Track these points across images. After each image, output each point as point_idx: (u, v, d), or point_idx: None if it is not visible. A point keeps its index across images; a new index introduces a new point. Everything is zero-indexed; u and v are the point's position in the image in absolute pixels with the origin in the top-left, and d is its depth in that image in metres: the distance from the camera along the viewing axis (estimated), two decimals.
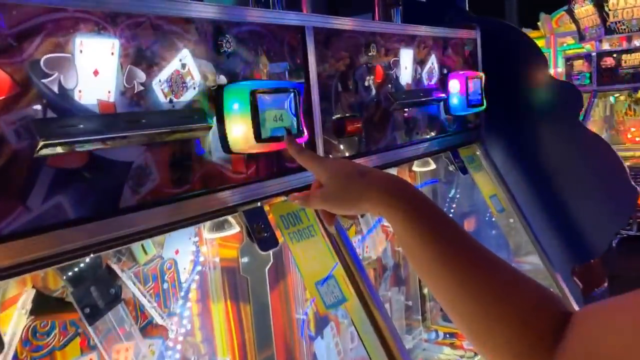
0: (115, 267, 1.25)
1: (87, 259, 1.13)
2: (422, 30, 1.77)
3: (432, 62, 1.83)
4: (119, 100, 0.96)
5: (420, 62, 1.77)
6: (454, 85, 1.86)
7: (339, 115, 1.44)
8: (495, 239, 2.46)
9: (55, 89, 0.88)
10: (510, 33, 2.22)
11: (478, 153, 2.14)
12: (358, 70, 1.51)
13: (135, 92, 0.99)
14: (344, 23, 1.46)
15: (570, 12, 7.21)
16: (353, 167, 0.93)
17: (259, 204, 1.25)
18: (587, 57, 6.46)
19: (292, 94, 1.19)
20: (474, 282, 0.67)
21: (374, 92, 1.57)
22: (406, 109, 1.69)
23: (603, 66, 6.31)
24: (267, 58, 1.24)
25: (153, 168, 1.02)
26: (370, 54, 1.54)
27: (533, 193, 2.31)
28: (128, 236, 1.00)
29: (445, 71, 1.89)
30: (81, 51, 0.91)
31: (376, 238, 2.02)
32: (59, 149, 0.87)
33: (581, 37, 7.27)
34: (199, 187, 1.10)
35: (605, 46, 6.99)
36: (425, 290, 2.39)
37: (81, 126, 0.89)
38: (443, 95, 1.84)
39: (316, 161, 0.98)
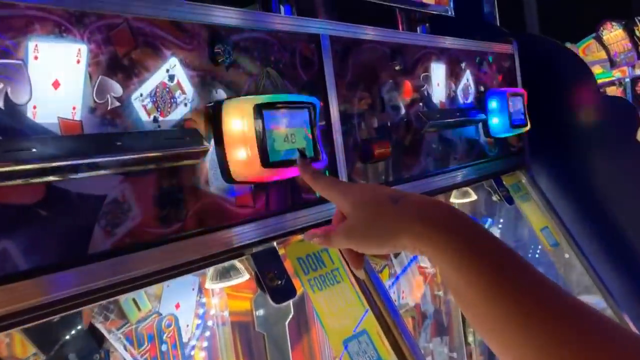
0: (100, 326, 1.04)
1: (62, 318, 0.92)
2: (454, 42, 1.57)
3: (467, 78, 1.62)
4: (87, 118, 0.77)
5: (453, 78, 1.56)
6: (494, 103, 1.63)
7: (363, 137, 1.23)
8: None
9: (1, 103, 0.69)
10: (551, 47, 2.01)
11: (523, 181, 1.90)
12: (384, 86, 1.30)
13: (109, 108, 0.80)
14: (366, 32, 1.26)
15: (599, 39, 6.98)
16: (383, 193, 0.71)
17: (272, 244, 1.03)
18: (620, 82, 6.19)
19: (306, 110, 0.99)
20: (563, 344, 0.51)
21: (402, 111, 1.35)
22: (440, 131, 1.47)
23: (638, 91, 6.05)
24: (275, 70, 1.04)
25: (133, 203, 0.82)
26: (396, 67, 1.34)
27: (588, 224, 2.05)
28: (100, 290, 0.79)
29: (482, 88, 1.67)
30: (36, 57, 0.72)
31: (413, 281, 1.77)
32: (5, 180, 0.67)
33: (612, 64, 7.02)
34: (194, 226, 0.89)
35: (638, 72, 6.73)
36: (471, 339, 2.11)
37: (34, 150, 0.69)
38: (482, 115, 1.61)
39: (336, 187, 0.76)
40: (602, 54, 7.01)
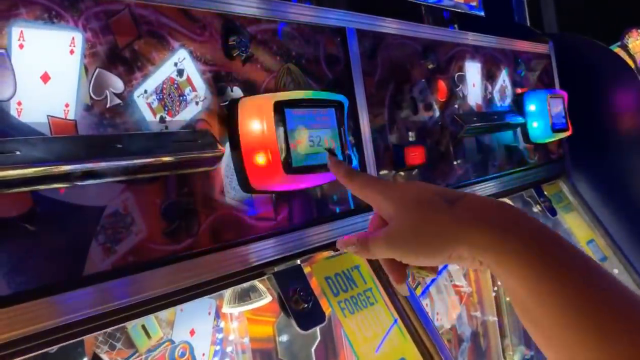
0: (105, 357, 0.93)
1: (61, 348, 0.81)
2: (489, 40, 1.45)
3: (504, 79, 1.49)
4: (81, 117, 0.67)
5: (489, 78, 1.44)
6: (534, 106, 1.50)
7: (395, 142, 1.11)
8: None
9: None
10: (590, 48, 1.87)
11: (564, 190, 1.76)
12: (416, 86, 1.18)
13: (108, 106, 0.69)
14: (395, 27, 1.15)
15: (625, 47, 6.82)
16: (435, 192, 0.59)
17: (296, 262, 0.91)
18: None
19: (332, 109, 0.87)
20: None
21: (437, 113, 1.23)
22: (478, 136, 1.35)
23: None
24: (297, 66, 0.93)
25: (136, 215, 0.71)
26: (429, 66, 1.22)
27: (636, 235, 1.89)
28: (101, 316, 0.68)
29: (518, 90, 1.55)
30: (21, 46, 0.62)
31: (448, 301, 1.63)
32: None
33: (638, 72, 6.84)
34: (208, 242, 0.79)
35: None
36: None
37: (18, 153, 0.59)
38: (521, 118, 1.48)
39: (376, 186, 0.63)
40: (629, 63, 6.83)
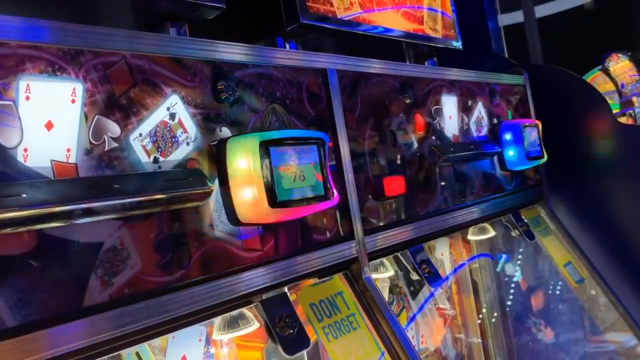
0: None
1: None
2: (464, 74, 1.53)
3: (480, 110, 1.57)
4: (82, 160, 0.73)
5: (465, 110, 1.52)
6: (509, 135, 1.58)
7: (375, 174, 1.17)
8: (568, 315, 2.08)
9: None
10: (563, 78, 1.96)
11: (542, 214, 1.82)
12: (394, 120, 1.25)
13: (106, 149, 0.75)
14: (374, 66, 1.23)
15: (606, 71, 6.97)
16: None
17: (282, 290, 0.96)
18: (630, 113, 6.13)
19: (315, 146, 0.94)
20: None
21: (415, 145, 1.30)
22: (455, 165, 1.42)
23: None
24: (281, 105, 1.00)
25: (132, 250, 0.76)
26: (407, 101, 1.30)
27: (613, 258, 1.95)
28: (99, 345, 0.72)
29: (495, 121, 1.63)
30: (28, 97, 0.68)
31: (432, 324, 1.68)
32: None
33: (620, 95, 6.98)
34: (198, 273, 0.83)
35: None
36: None
37: (25, 196, 0.64)
38: (497, 147, 1.56)
39: None
40: (610, 86, 6.97)
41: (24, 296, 0.65)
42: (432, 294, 1.71)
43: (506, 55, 2.24)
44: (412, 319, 1.65)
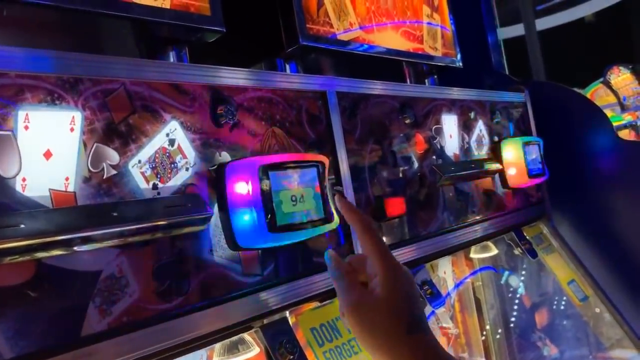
0: None
1: None
2: (464, 93, 1.53)
3: (480, 128, 1.57)
4: (80, 189, 0.72)
5: (466, 129, 1.51)
6: (510, 153, 1.58)
7: (376, 194, 1.17)
8: (572, 332, 2.06)
9: None
10: (564, 94, 1.96)
11: (545, 232, 1.81)
12: (395, 141, 1.25)
13: (105, 177, 0.75)
14: (373, 87, 1.23)
15: (607, 83, 6.98)
16: (409, 312, 0.70)
17: (283, 314, 0.96)
18: (632, 125, 6.13)
19: (314, 169, 0.94)
20: None
21: (416, 164, 1.30)
22: (456, 184, 1.41)
23: None
24: (281, 129, 1.00)
25: (131, 278, 0.76)
26: (407, 121, 1.30)
27: (617, 275, 1.94)
28: None
29: (496, 138, 1.62)
30: (27, 127, 0.68)
31: None
32: None
33: (622, 108, 6.98)
34: (198, 299, 0.83)
35: None
36: None
37: (23, 226, 0.64)
38: (498, 165, 1.55)
39: (381, 248, 0.74)
40: (612, 98, 6.97)
41: (21, 327, 0.65)
42: (433, 312, 1.69)
43: (506, 71, 2.24)
44: None
